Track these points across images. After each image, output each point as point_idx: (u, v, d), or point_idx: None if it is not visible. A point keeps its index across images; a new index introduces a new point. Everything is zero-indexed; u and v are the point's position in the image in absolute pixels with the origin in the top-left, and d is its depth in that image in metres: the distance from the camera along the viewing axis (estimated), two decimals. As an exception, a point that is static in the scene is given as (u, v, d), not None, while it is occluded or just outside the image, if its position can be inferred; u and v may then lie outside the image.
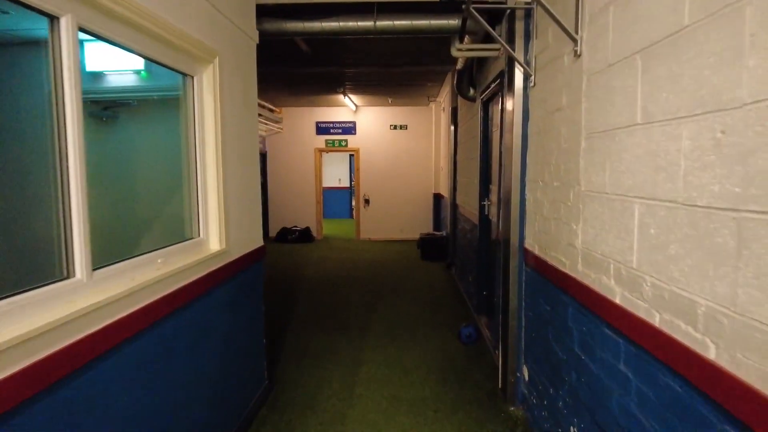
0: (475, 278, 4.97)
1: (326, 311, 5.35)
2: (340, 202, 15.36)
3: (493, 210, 4.18)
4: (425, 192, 10.79)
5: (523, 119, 2.95)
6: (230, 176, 2.75)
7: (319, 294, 6.11)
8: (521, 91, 2.96)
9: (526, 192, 2.93)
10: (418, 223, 10.84)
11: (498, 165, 3.78)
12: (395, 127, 10.74)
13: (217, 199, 2.54)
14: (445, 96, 8.68)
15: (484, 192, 4.63)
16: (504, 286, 3.14)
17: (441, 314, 5.20)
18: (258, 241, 3.30)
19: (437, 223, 10.23)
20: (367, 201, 10.91)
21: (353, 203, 10.85)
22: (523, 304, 3.00)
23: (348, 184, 15.16)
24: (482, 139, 4.67)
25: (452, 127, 7.11)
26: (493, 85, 4.04)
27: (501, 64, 3.78)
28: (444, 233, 8.63)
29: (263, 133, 10.71)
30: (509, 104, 3.06)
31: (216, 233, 2.56)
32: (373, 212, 10.92)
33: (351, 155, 14.46)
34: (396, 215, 10.89)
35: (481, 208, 4.66)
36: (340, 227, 13.06)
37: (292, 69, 6.71)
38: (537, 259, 2.68)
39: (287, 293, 6.16)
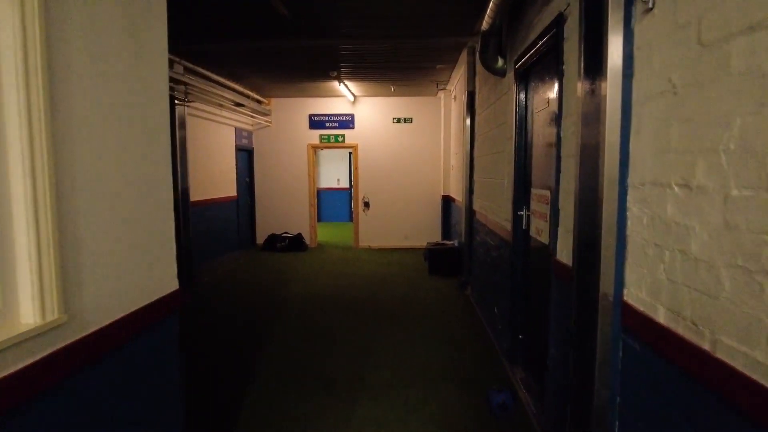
0: (507, 313, 3.68)
1: (308, 355, 4.07)
2: (339, 204, 14.09)
3: (540, 225, 2.89)
4: (432, 194, 9.50)
5: (625, 73, 1.66)
6: (85, 180, 1.48)
7: (301, 325, 4.84)
8: (620, 28, 1.67)
9: (633, 205, 1.64)
10: (424, 230, 9.55)
11: (554, 160, 2.49)
12: (398, 121, 9.46)
13: (30, 228, 1.26)
14: (457, 81, 7.39)
15: (521, 198, 3.34)
16: (582, 361, 1.86)
17: (459, 360, 3.91)
18: (167, 285, 2.03)
19: (447, 229, 8.94)
20: (366, 204, 9.64)
21: (353, 206, 9.63)
22: (619, 400, 1.71)
23: (348, 185, 13.90)
24: (518, 125, 3.38)
25: (467, 117, 5.82)
26: (540, 43, 2.76)
27: (556, 6, 2.50)
28: (455, 243, 7.33)
29: (249, 127, 9.46)
30: (589, 57, 1.78)
31: (31, 294, 1.27)
32: (374, 217, 9.64)
33: (350, 152, 13.19)
34: (399, 220, 9.61)
35: (516, 219, 3.37)
36: (338, 232, 11.78)
37: (270, 42, 5.44)
38: (661, 331, 1.40)
39: (259, 324, 4.89)
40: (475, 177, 5.55)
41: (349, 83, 8.11)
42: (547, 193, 2.73)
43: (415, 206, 9.56)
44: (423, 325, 4.76)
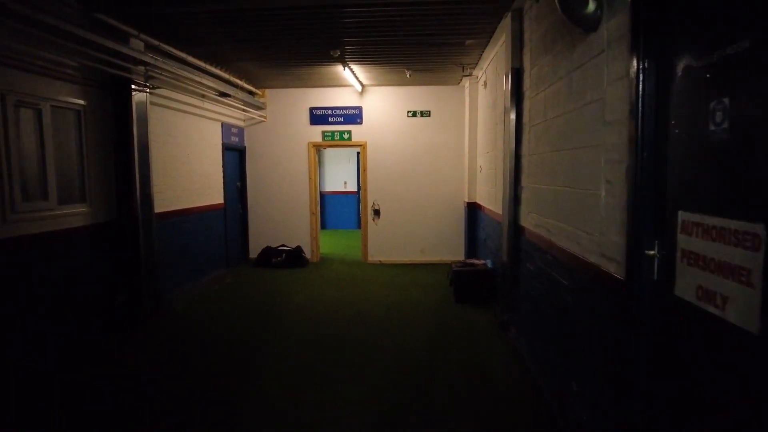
0: (603, 404, 2.27)
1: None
2: (345, 210, 12.72)
3: (721, 286, 1.48)
4: (454, 201, 8.09)
5: None
6: None
7: (283, 391, 3.46)
8: None
9: None
10: (444, 243, 8.15)
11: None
12: (414, 114, 8.06)
13: None
14: (490, 62, 5.98)
15: (648, 226, 1.94)
16: None
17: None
18: None
19: (472, 243, 7.52)
20: (376, 212, 8.25)
21: (361, 214, 8.28)
22: None
23: (356, 189, 12.54)
24: (639, 102, 1.96)
25: (511, 104, 4.42)
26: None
27: None
28: (488, 264, 5.92)
29: (240, 123, 8.13)
30: None
31: None
32: (385, 227, 8.26)
33: (357, 152, 11.84)
34: (415, 231, 8.21)
35: (638, 261, 1.96)
36: (344, 242, 10.41)
37: (251, 3, 4.09)
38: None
39: (233, 378, 3.52)
40: (525, 182, 4.15)
41: (355, 68, 6.73)
42: (752, 227, 1.33)
43: (433, 215, 8.16)
44: (459, 413, 3.37)
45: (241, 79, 7.21)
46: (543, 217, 3.51)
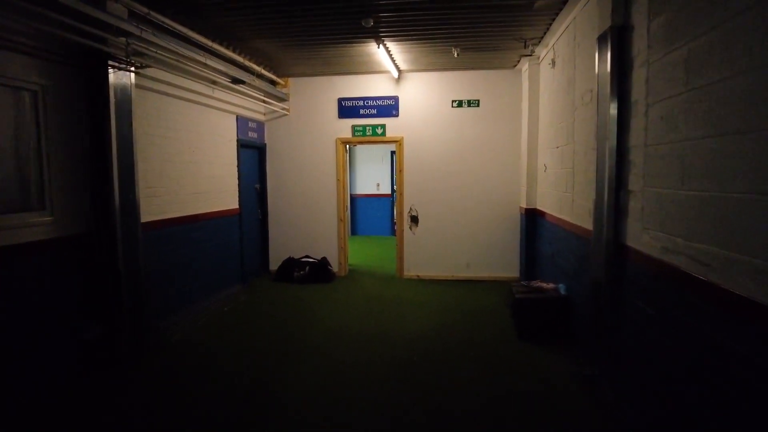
0: None
1: None
2: (378, 214, 11.61)
3: None
4: (508, 206, 6.82)
5: None
6: None
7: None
8: None
9: None
10: (495, 256, 6.90)
11: None
12: (460, 104, 6.85)
13: None
14: (566, 30, 4.70)
15: None
16: None
17: None
18: None
19: (531, 258, 6.23)
20: (414, 219, 7.08)
21: (395, 219, 7.14)
22: None
23: (389, 191, 11.41)
24: None
25: (610, 81, 3.17)
26: None
27: None
28: (559, 289, 4.64)
29: (260, 117, 7.14)
30: None
31: None
32: (424, 236, 7.07)
33: (392, 152, 10.72)
34: (459, 242, 6.99)
35: None
36: (377, 252, 9.28)
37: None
38: None
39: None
40: (636, 186, 2.88)
41: (392, 46, 5.59)
42: None
43: (481, 223, 6.92)
44: None
45: (259, 65, 6.19)
46: (687, 241, 2.25)
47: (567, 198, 4.54)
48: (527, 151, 6.20)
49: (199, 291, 5.39)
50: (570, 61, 4.49)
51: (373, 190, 11.62)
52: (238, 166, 6.39)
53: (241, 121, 6.47)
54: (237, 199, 6.38)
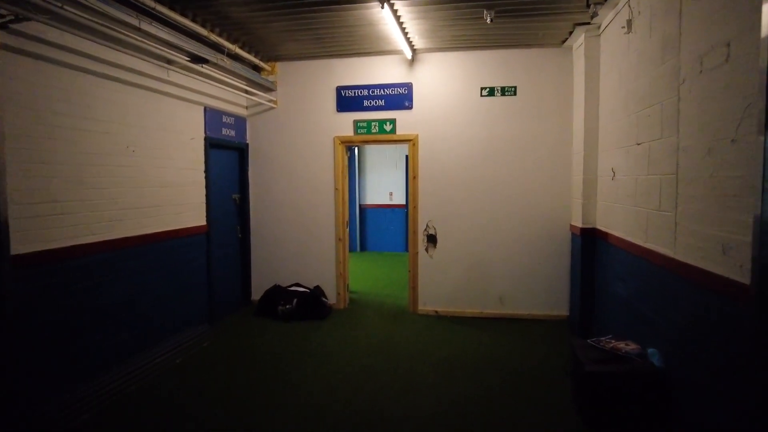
0: None
1: None
2: (391, 227, 10.13)
3: None
4: (554, 224, 5.27)
5: None
6: None
7: None
8: None
9: None
10: (537, 288, 5.34)
11: None
12: (491, 92, 5.35)
13: None
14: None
15: None
16: None
17: None
18: None
19: (588, 293, 4.64)
20: (431, 239, 5.58)
21: (410, 239, 5.67)
22: None
23: (404, 201, 9.94)
24: None
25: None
26: None
27: None
28: (651, 356, 3.05)
29: (241, 111, 5.76)
30: None
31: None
32: (444, 260, 5.56)
33: (406, 156, 9.24)
34: (489, 269, 5.45)
35: None
36: (387, 274, 7.79)
37: None
38: None
39: None
40: None
41: (404, 12, 4.15)
42: None
43: (518, 245, 5.37)
44: None
45: (234, 42, 4.81)
46: None
47: (661, 219, 2.99)
48: (583, 151, 4.64)
49: (138, 341, 3.99)
50: (666, 13, 2.96)
51: (385, 200, 10.16)
52: (206, 172, 5.00)
53: (212, 114, 5.10)
54: (204, 213, 4.99)
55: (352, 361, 4.16)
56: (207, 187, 5.02)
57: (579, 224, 4.73)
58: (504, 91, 5.30)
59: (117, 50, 3.58)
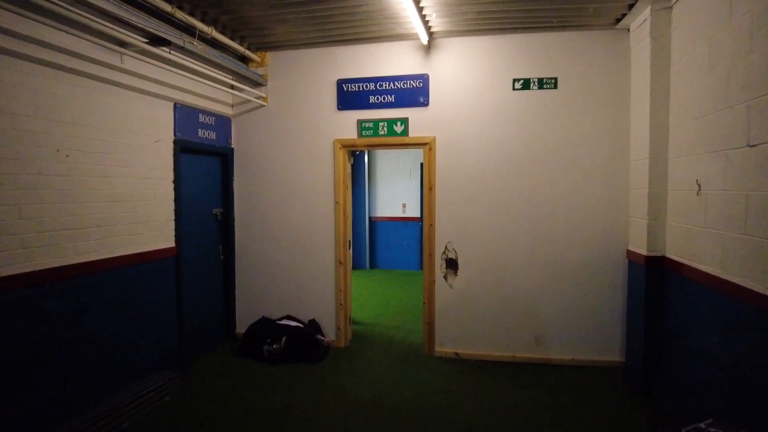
0: None
1: None
2: (404, 242, 9.14)
3: None
4: (604, 247, 4.22)
5: None
6: None
7: None
8: None
9: None
10: (583, 327, 4.29)
11: None
12: (526, 85, 4.35)
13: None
14: None
15: None
16: None
17: None
18: None
19: (655, 341, 3.57)
20: (451, 264, 4.57)
21: (425, 264, 4.66)
22: None
23: (419, 214, 8.95)
24: None
25: None
26: None
27: None
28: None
29: (226, 110, 4.87)
30: None
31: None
32: (467, 290, 4.54)
33: (421, 163, 8.25)
34: (522, 302, 4.42)
35: None
36: (399, 298, 6.79)
37: None
38: None
39: None
40: None
41: (415, -26, 3.20)
42: None
43: (558, 273, 4.33)
44: None
45: (210, 24, 3.91)
46: None
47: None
48: (648, 158, 3.61)
49: (75, 398, 3.07)
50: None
51: (398, 213, 9.18)
52: (175, 182, 4.10)
53: (184, 112, 4.21)
54: (172, 233, 4.08)
55: None
56: (177, 200, 4.11)
57: (641, 251, 3.67)
58: (542, 83, 4.30)
59: (45, 24, 2.70)
